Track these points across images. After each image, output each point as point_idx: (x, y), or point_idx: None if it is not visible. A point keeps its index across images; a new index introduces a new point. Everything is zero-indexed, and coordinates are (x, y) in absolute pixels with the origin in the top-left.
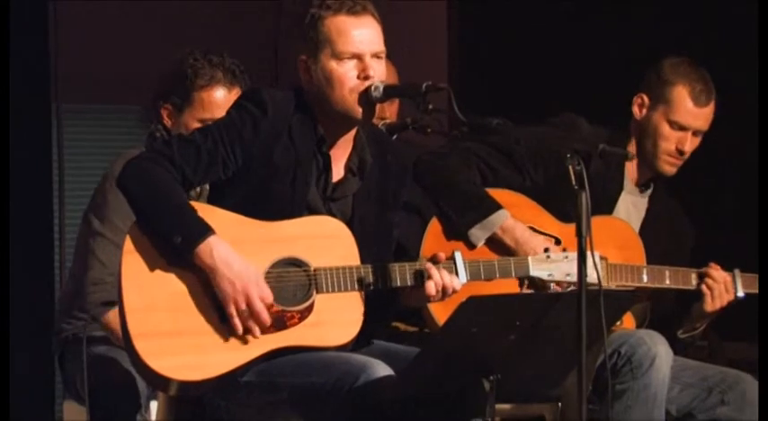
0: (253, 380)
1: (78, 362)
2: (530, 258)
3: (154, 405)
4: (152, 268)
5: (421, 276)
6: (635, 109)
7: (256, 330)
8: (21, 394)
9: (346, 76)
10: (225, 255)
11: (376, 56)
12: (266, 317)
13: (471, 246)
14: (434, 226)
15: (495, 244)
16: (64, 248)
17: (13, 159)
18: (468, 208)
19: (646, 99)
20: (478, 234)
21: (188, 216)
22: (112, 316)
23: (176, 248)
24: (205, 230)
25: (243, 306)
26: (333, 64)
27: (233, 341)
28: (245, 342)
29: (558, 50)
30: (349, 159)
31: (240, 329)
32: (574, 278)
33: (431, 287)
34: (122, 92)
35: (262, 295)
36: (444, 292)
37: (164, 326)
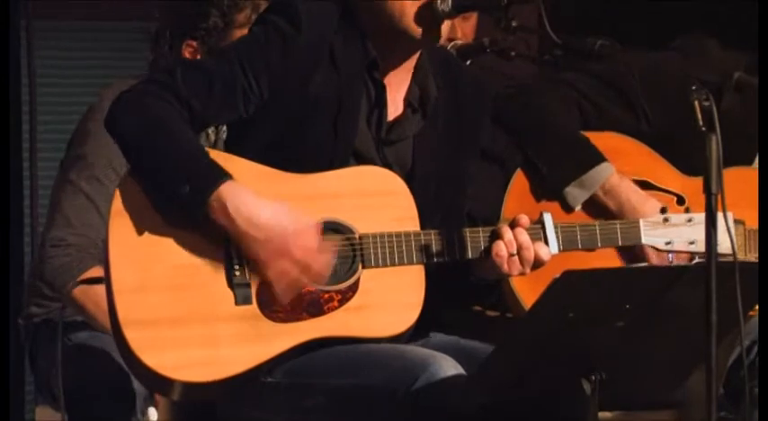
0: (280, 380)
1: (53, 353)
2: (642, 222)
3: (153, 412)
4: (149, 234)
5: (496, 238)
6: None
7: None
8: None
9: None
10: (245, 206)
11: None
12: (325, 264)
13: (568, 208)
14: (519, 181)
15: (596, 206)
16: (36, 205)
17: None
18: (563, 158)
19: None
20: (576, 193)
21: (198, 159)
22: (80, 290)
23: (183, 203)
24: (219, 175)
25: (292, 270)
26: None
27: (254, 330)
28: (270, 331)
29: None
30: (408, 91)
31: (287, 299)
32: (700, 247)
33: (499, 246)
34: (111, 4)
35: (305, 245)
36: (524, 259)
37: (163, 311)
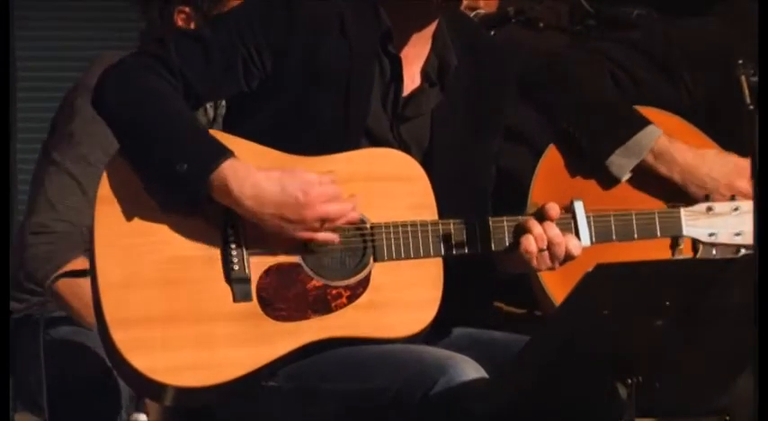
0: (283, 385)
1: (34, 352)
2: (683, 211)
3: (143, 419)
4: (140, 222)
5: (523, 232)
6: None
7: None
8: None
9: None
10: (249, 181)
11: None
12: (352, 211)
13: (612, 180)
14: (551, 158)
15: (645, 178)
16: (15, 188)
17: None
18: (604, 125)
19: None
20: (622, 162)
21: (196, 135)
22: (64, 283)
23: (180, 183)
24: (221, 152)
25: (317, 225)
26: None
27: (254, 329)
28: (272, 331)
29: None
30: (427, 62)
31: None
32: (746, 239)
33: (529, 242)
34: None
35: (321, 195)
36: (554, 255)
37: (155, 309)
